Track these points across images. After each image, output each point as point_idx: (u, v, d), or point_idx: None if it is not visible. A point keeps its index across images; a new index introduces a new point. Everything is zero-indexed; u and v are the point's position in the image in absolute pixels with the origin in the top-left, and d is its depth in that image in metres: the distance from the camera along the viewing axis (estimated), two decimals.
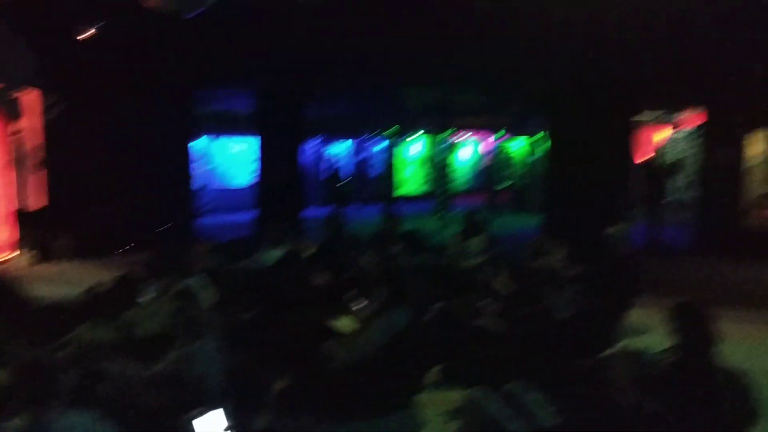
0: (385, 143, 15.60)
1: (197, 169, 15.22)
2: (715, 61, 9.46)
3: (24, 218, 10.29)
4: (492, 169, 17.77)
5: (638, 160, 15.01)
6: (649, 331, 6.12)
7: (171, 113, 11.69)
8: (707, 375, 3.66)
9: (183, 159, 12.28)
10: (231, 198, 18.55)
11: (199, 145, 17.45)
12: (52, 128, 10.26)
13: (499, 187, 17.78)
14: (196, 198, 13.00)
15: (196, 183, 13.66)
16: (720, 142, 11.54)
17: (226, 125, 18.42)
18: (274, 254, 6.86)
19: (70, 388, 3.39)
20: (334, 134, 20.65)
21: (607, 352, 3.25)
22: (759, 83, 10.71)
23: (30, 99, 10.30)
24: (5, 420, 3.07)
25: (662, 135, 21.69)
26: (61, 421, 2.85)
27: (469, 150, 17.66)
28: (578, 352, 4.31)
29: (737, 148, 11.32)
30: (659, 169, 13.77)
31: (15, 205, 10.35)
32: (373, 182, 20.63)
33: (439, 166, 16.33)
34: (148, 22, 9.12)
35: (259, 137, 12.23)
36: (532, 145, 17.56)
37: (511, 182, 18.27)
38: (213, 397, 3.48)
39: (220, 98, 15.09)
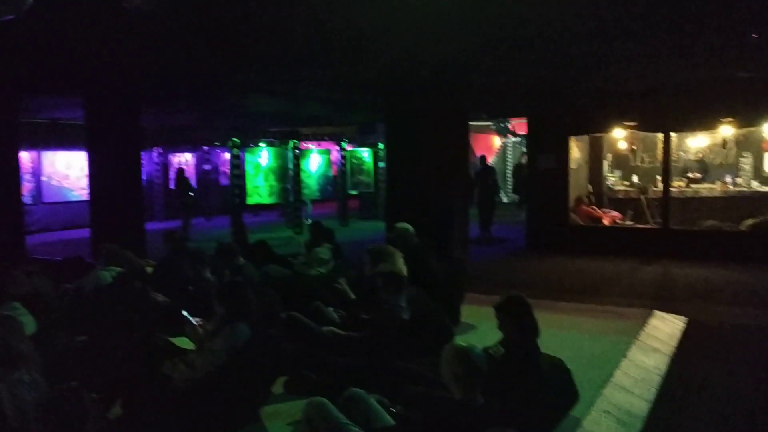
0: (232, 153, 15.27)
1: (25, 185, 14.01)
2: (539, 74, 10.28)
3: None
4: (340, 178, 18.01)
5: (475, 163, 15.96)
6: (479, 327, 6.54)
7: None
8: (532, 364, 3.96)
9: (10, 174, 11.19)
10: (63, 214, 17.28)
11: (27, 158, 16.10)
12: None
13: (347, 195, 18.06)
14: (23, 215, 11.91)
15: (23, 199, 12.55)
16: (543, 148, 12.56)
17: (57, 137, 17.15)
18: (109, 273, 6.48)
19: None
20: (177, 145, 19.91)
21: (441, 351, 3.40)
22: (577, 96, 11.82)
23: None
24: None
25: (498, 142, 23.20)
26: None
27: (318, 159, 17.76)
28: (415, 353, 4.48)
29: (558, 153, 12.37)
30: (493, 173, 14.71)
31: None
32: (220, 193, 20.12)
33: (287, 175, 16.28)
34: None
35: (92, 149, 11.46)
36: (378, 154, 18.04)
37: (358, 190, 18.62)
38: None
39: (49, 108, 14.01)
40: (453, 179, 10.89)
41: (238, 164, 15.42)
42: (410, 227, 7.05)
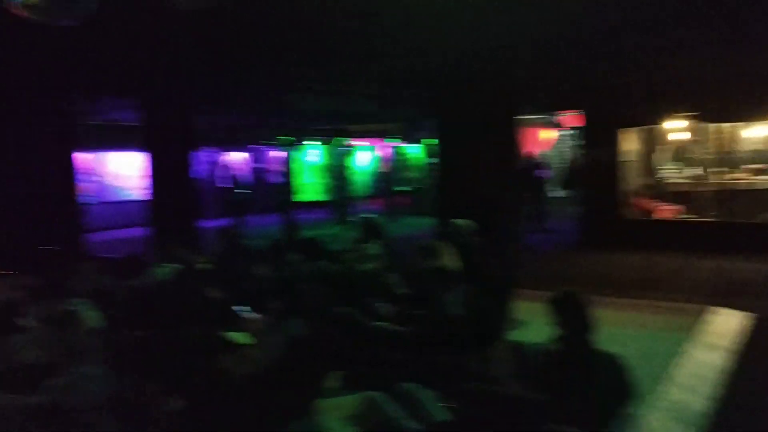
0: (282, 152, 15.51)
1: (84, 185, 14.52)
2: (591, 67, 10.11)
3: None
4: (389, 174, 18.05)
5: (524, 159, 15.77)
6: (532, 323, 6.47)
7: (53, 127, 11.12)
8: (586, 361, 3.91)
9: (67, 174, 11.68)
10: (121, 213, 17.82)
11: (85, 159, 16.66)
12: None
13: (396, 192, 18.10)
14: (82, 214, 12.38)
15: (82, 199, 13.03)
16: (595, 141, 12.34)
17: (113, 138, 17.70)
18: (167, 270, 6.67)
19: None
20: (229, 144, 20.28)
21: (494, 346, 3.40)
22: (629, 87, 11.57)
23: None
24: None
25: (549, 134, 22.84)
26: None
27: (366, 156, 17.85)
28: (468, 348, 4.48)
29: (610, 146, 12.14)
30: (545, 167, 14.52)
31: None
32: (271, 191, 20.42)
33: (336, 172, 16.43)
34: (20, 32, 8.63)
35: (148, 149, 11.82)
36: (427, 150, 18.01)
37: (407, 187, 18.63)
38: (99, 425, 3.35)
39: (106, 110, 14.47)
40: (504, 174, 10.80)
41: (287, 162, 15.65)
42: (466, 223, 7.05)
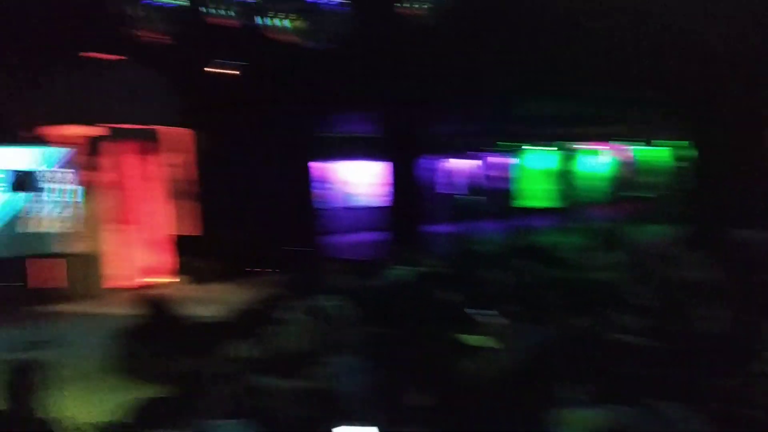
0: (509, 157, 15.43)
1: (324, 191, 15.80)
2: None
3: (179, 245, 11.16)
4: (626, 178, 17.01)
5: None
6: None
7: (300, 139, 12.34)
8: None
9: (310, 182, 12.93)
10: (354, 218, 18.99)
11: (325, 167, 18.08)
12: (200, 163, 11.17)
13: (635, 197, 16.97)
14: (323, 219, 13.53)
15: (322, 204, 14.23)
16: None
17: (347, 148, 18.97)
18: (404, 272, 6.97)
19: (221, 400, 3.63)
20: (456, 151, 20.63)
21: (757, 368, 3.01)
22: None
23: (182, 137, 11.21)
24: (166, 427, 3.32)
25: None
26: (217, 430, 3.05)
27: (601, 160, 17.03)
28: (726, 368, 4.03)
29: None
30: None
31: (172, 233, 11.24)
32: (501, 197, 20.37)
33: (568, 177, 15.90)
34: (275, 54, 9.66)
35: (383, 158, 12.58)
36: (671, 152, 16.62)
37: (648, 192, 17.36)
38: (355, 413, 3.59)
39: (344, 122, 15.60)
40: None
41: (515, 167, 15.51)
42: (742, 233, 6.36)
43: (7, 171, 7.62)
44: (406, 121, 12.28)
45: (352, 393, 3.66)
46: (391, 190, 12.28)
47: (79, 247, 9.60)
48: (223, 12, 7.36)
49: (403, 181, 12.18)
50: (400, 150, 12.26)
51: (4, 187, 7.61)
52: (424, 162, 12.91)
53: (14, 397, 3.03)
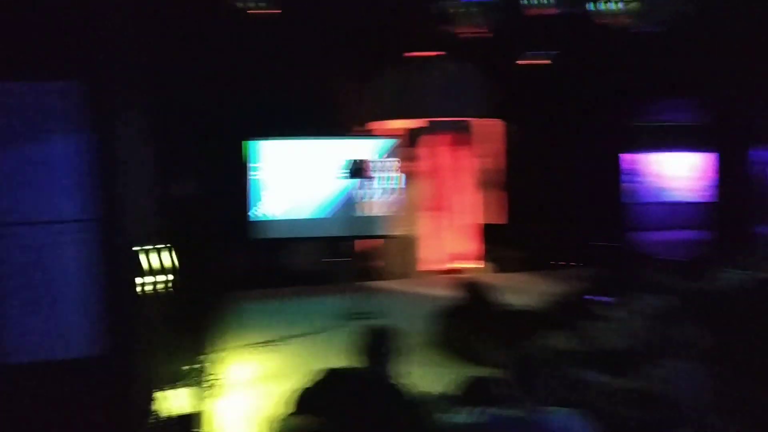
0: None
1: (632, 185, 14.85)
2: None
3: (487, 233, 11.54)
4: None
5: None
6: None
7: (606, 129, 11.84)
8: None
9: (618, 175, 12.29)
10: (669, 214, 17.51)
11: (637, 159, 16.97)
12: (510, 154, 11.40)
13: None
14: (634, 214, 12.77)
15: (634, 199, 13.43)
16: None
17: (662, 138, 17.52)
18: (737, 276, 6.24)
19: (548, 388, 3.63)
20: None
21: None
22: None
23: (494, 128, 11.56)
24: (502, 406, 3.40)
25: None
26: (547, 415, 3.06)
27: None
28: None
29: None
30: None
31: (481, 222, 11.68)
32: None
33: None
34: (592, 41, 9.35)
35: (709, 150, 11.39)
36: None
37: None
38: (691, 422, 3.32)
39: (662, 110, 14.48)
40: None
41: None
42: None
43: (346, 160, 8.65)
44: (736, 107, 10.95)
45: (688, 401, 3.39)
46: (716, 184, 11.06)
47: (398, 231, 10.48)
48: (544, 1, 7.33)
49: (730, 175, 10.88)
50: (727, 140, 10.96)
51: (344, 174, 8.66)
52: (755, 154, 11.38)
53: (372, 358, 3.40)
